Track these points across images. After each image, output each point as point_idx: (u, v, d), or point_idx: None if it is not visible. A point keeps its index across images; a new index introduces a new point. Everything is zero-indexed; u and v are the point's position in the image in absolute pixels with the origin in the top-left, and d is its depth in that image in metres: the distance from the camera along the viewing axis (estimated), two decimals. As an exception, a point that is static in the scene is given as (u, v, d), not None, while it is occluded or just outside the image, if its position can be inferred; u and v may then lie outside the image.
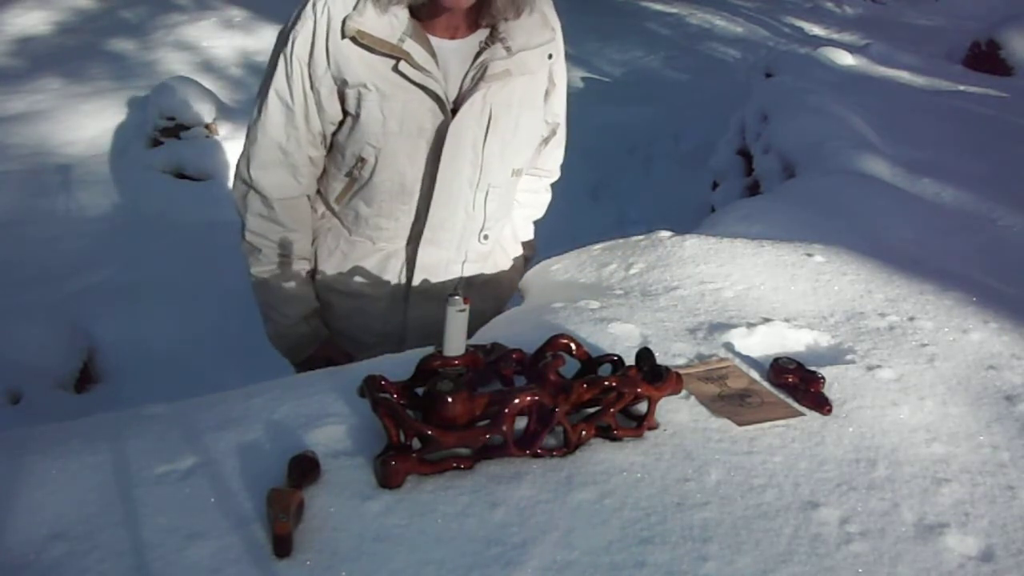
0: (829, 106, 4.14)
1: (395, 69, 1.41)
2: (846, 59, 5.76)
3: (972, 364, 1.27)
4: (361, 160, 1.48)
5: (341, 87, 1.44)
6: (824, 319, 1.39)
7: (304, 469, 0.91)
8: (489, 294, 1.69)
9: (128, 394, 3.29)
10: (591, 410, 1.04)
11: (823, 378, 1.16)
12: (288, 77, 1.44)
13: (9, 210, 4.40)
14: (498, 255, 1.71)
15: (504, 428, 0.94)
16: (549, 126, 1.66)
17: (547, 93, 1.60)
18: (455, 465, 0.95)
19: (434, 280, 1.60)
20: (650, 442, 1.02)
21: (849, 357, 1.27)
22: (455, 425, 0.95)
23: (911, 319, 1.39)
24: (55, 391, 3.18)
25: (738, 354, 1.25)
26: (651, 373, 1.05)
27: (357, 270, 1.59)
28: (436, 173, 1.48)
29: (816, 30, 9.99)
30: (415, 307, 1.61)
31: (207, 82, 5.50)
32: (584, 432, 1.00)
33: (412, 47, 1.40)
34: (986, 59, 6.59)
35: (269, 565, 0.80)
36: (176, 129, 4.93)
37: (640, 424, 1.04)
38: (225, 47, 6.59)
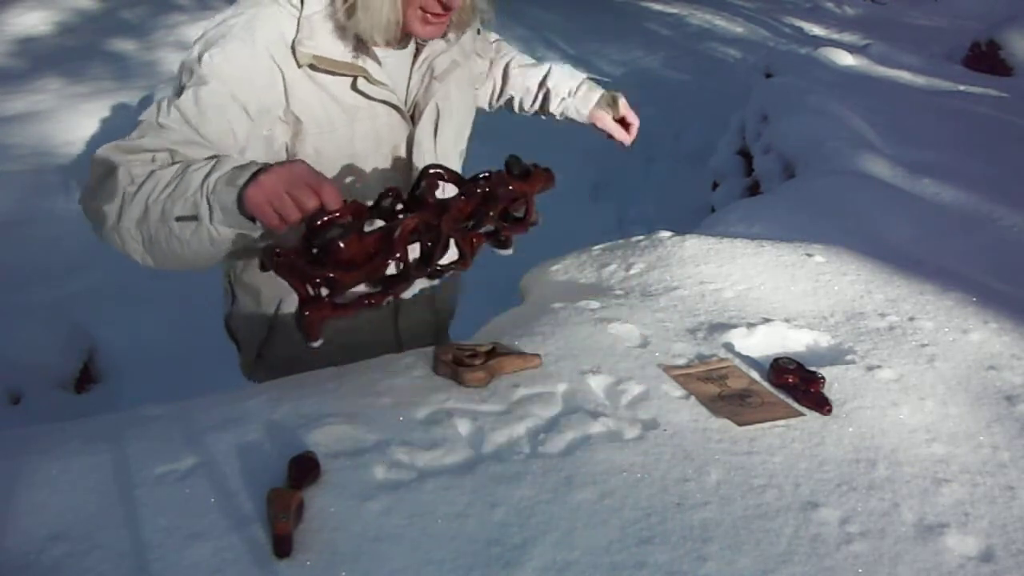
0: (829, 106, 4.14)
1: (353, 87, 1.33)
2: (846, 59, 5.76)
3: (972, 364, 1.27)
4: None
5: (294, 125, 1.30)
6: (824, 319, 1.39)
7: (304, 469, 0.91)
8: (455, 282, 1.67)
9: (128, 394, 3.29)
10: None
11: (823, 378, 1.16)
12: (204, 110, 1.20)
13: (9, 210, 4.40)
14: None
15: (398, 253, 0.99)
16: (483, 64, 1.67)
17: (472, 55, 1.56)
18: (368, 302, 0.99)
19: (418, 287, 1.54)
20: (650, 442, 1.02)
21: (849, 357, 1.27)
22: (354, 265, 0.98)
23: (911, 319, 1.39)
24: (55, 391, 3.18)
25: (738, 354, 1.25)
26: (522, 173, 1.11)
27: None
28: (408, 184, 1.44)
29: (816, 30, 9.99)
30: (405, 318, 1.56)
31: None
32: (475, 240, 1.06)
33: (367, 63, 1.33)
34: (986, 59, 6.60)
35: (269, 565, 0.80)
36: (176, 129, 4.92)
37: (523, 221, 1.10)
38: (225, 47, 6.58)
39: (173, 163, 1.17)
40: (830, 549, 0.87)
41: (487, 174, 1.13)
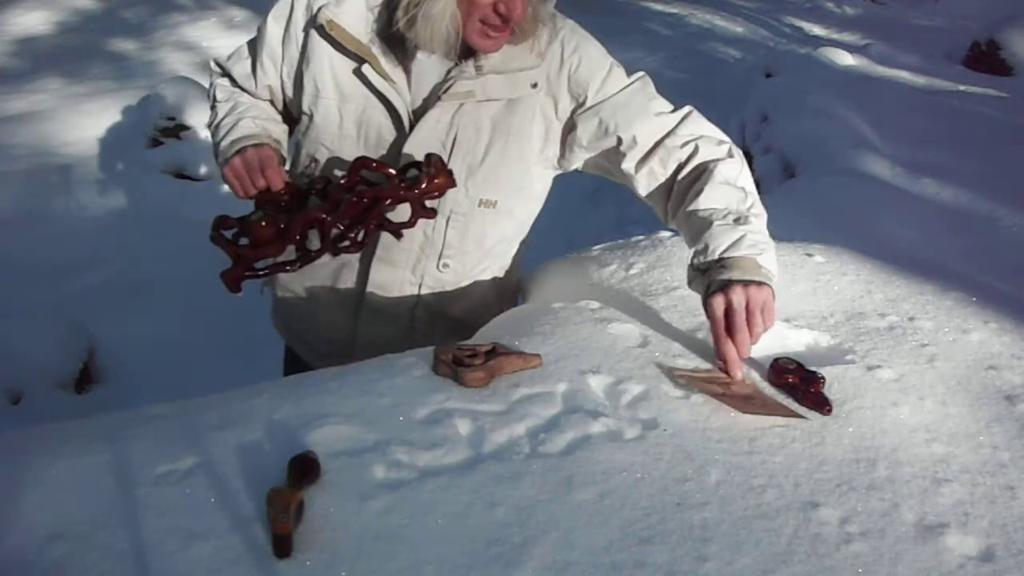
0: (829, 106, 4.15)
1: (356, 72, 1.35)
2: (846, 59, 5.77)
3: (972, 364, 1.27)
4: (315, 161, 1.44)
5: (304, 80, 1.41)
6: (824, 319, 1.39)
7: (304, 469, 0.91)
8: (451, 329, 1.54)
9: (128, 394, 3.30)
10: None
11: (823, 378, 1.16)
12: (262, 47, 1.47)
13: (9, 210, 4.40)
14: (466, 289, 1.56)
15: (296, 238, 1.30)
16: (624, 144, 1.42)
17: (569, 127, 1.44)
18: (287, 268, 1.32)
19: (387, 298, 1.51)
20: (650, 442, 1.02)
21: (849, 357, 1.27)
22: (270, 242, 1.29)
23: (911, 319, 1.39)
24: (55, 391, 3.18)
25: (738, 354, 1.25)
26: (413, 179, 1.30)
27: (312, 276, 1.53)
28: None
29: (816, 30, 10.00)
30: (365, 323, 1.53)
31: (207, 82, 5.50)
32: (366, 232, 1.32)
33: (382, 51, 1.33)
34: (986, 59, 6.61)
35: (269, 565, 0.80)
36: (176, 129, 4.94)
37: (403, 224, 1.33)
38: (226, 47, 6.54)
39: (236, 91, 1.53)
40: (830, 549, 0.87)
41: (390, 178, 1.34)
